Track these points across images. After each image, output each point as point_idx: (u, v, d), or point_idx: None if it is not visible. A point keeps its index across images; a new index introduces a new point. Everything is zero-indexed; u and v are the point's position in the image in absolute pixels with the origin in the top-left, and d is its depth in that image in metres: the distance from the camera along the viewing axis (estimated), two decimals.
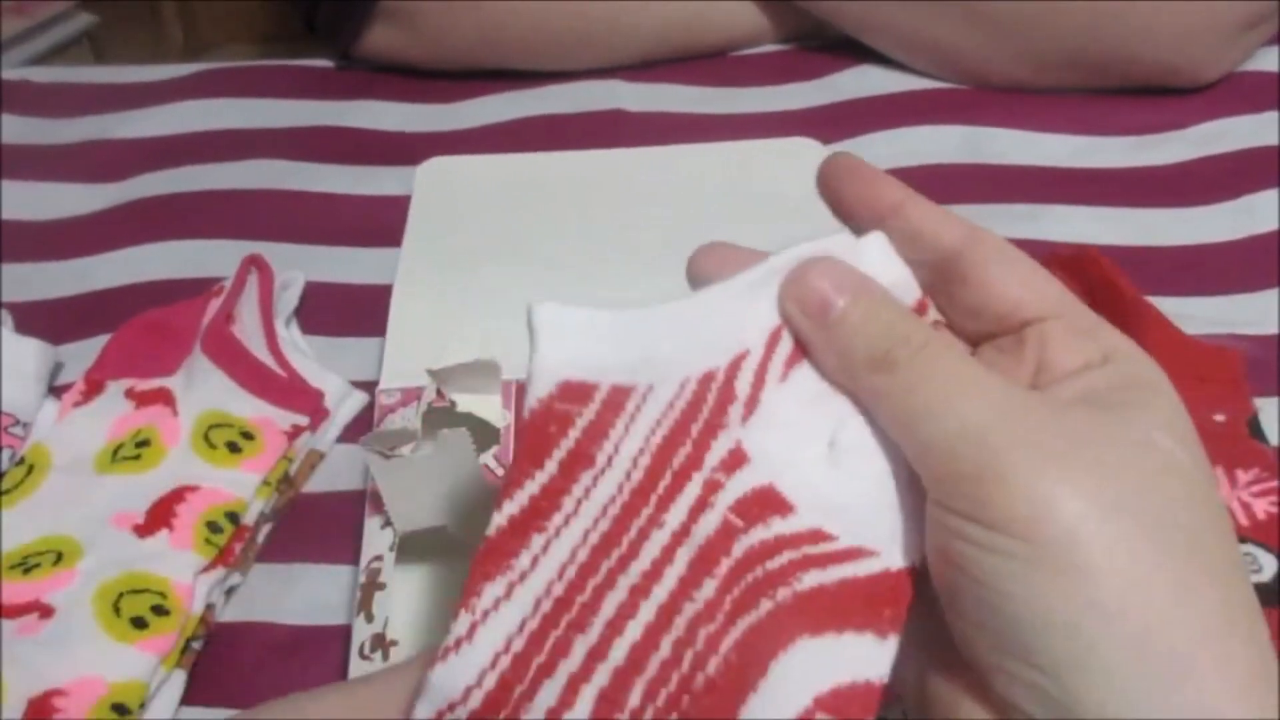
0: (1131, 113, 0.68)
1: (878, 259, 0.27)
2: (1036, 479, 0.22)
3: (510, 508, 0.23)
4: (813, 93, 0.73)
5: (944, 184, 0.64)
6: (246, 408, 0.49)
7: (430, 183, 0.61)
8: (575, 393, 0.24)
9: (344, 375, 0.53)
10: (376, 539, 0.43)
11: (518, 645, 0.23)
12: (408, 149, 0.70)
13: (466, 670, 0.23)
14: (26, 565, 0.44)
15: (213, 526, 0.45)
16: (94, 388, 0.51)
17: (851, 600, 0.24)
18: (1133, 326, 0.46)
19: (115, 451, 0.48)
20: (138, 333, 0.54)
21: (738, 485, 0.25)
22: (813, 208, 0.57)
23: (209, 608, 0.44)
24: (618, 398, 0.24)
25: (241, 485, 0.47)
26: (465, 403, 0.46)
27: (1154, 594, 0.21)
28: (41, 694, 0.40)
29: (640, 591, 0.23)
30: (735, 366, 0.25)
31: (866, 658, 0.24)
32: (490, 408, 0.46)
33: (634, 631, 0.23)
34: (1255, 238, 0.59)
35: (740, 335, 0.26)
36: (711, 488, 0.24)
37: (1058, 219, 0.61)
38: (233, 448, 0.48)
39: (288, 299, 0.56)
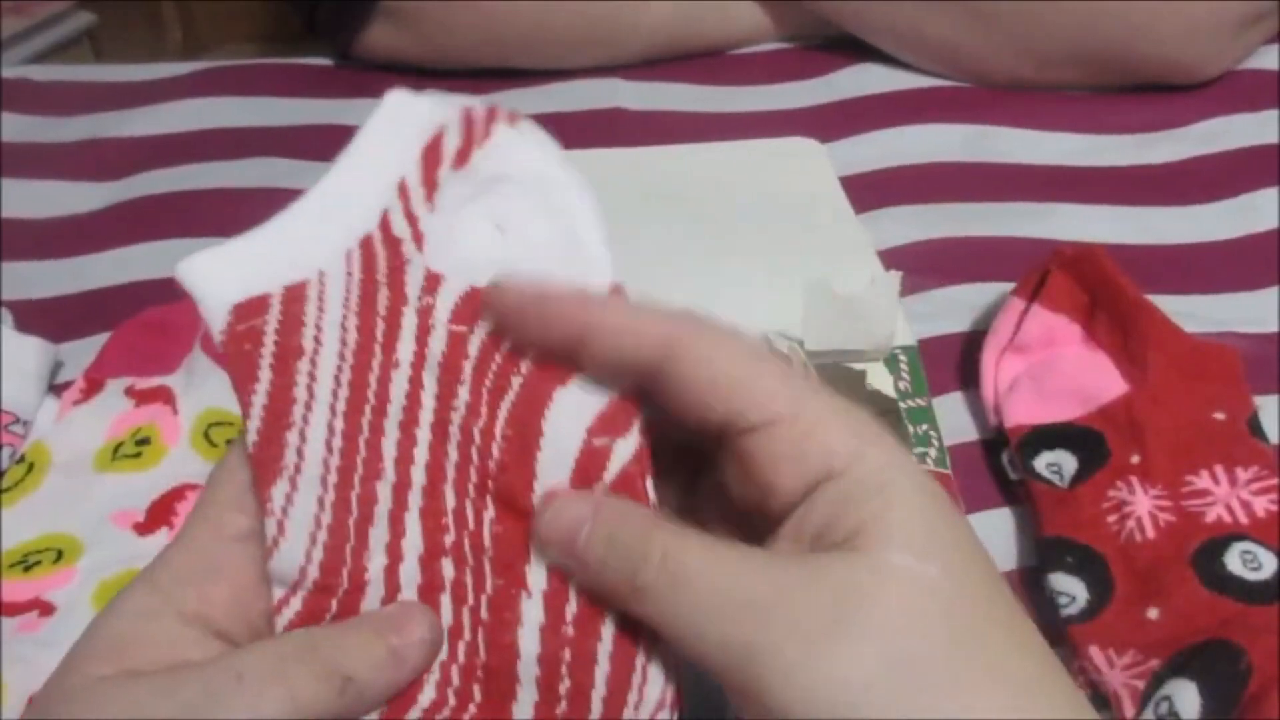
0: (1132, 111, 0.68)
1: (412, 117, 0.29)
2: (792, 678, 0.23)
3: (253, 425, 0.26)
4: (813, 91, 0.73)
5: (945, 183, 0.64)
6: None
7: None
8: (251, 309, 0.27)
9: None
10: None
11: (327, 518, 0.26)
12: None
13: (293, 556, 0.26)
14: (27, 563, 0.44)
15: None
16: (94, 386, 0.51)
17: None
18: (1134, 325, 0.47)
19: (115, 450, 0.48)
20: (137, 331, 0.54)
21: (446, 300, 0.27)
22: (812, 207, 0.58)
23: None
24: (295, 292, 0.27)
25: None
26: None
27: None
28: None
29: (412, 422, 0.27)
30: (385, 222, 0.28)
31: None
32: None
33: (421, 456, 0.27)
34: (1255, 236, 0.59)
35: (374, 200, 0.28)
36: (425, 312, 0.27)
37: (1059, 218, 0.61)
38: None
39: None
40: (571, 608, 0.26)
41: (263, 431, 0.26)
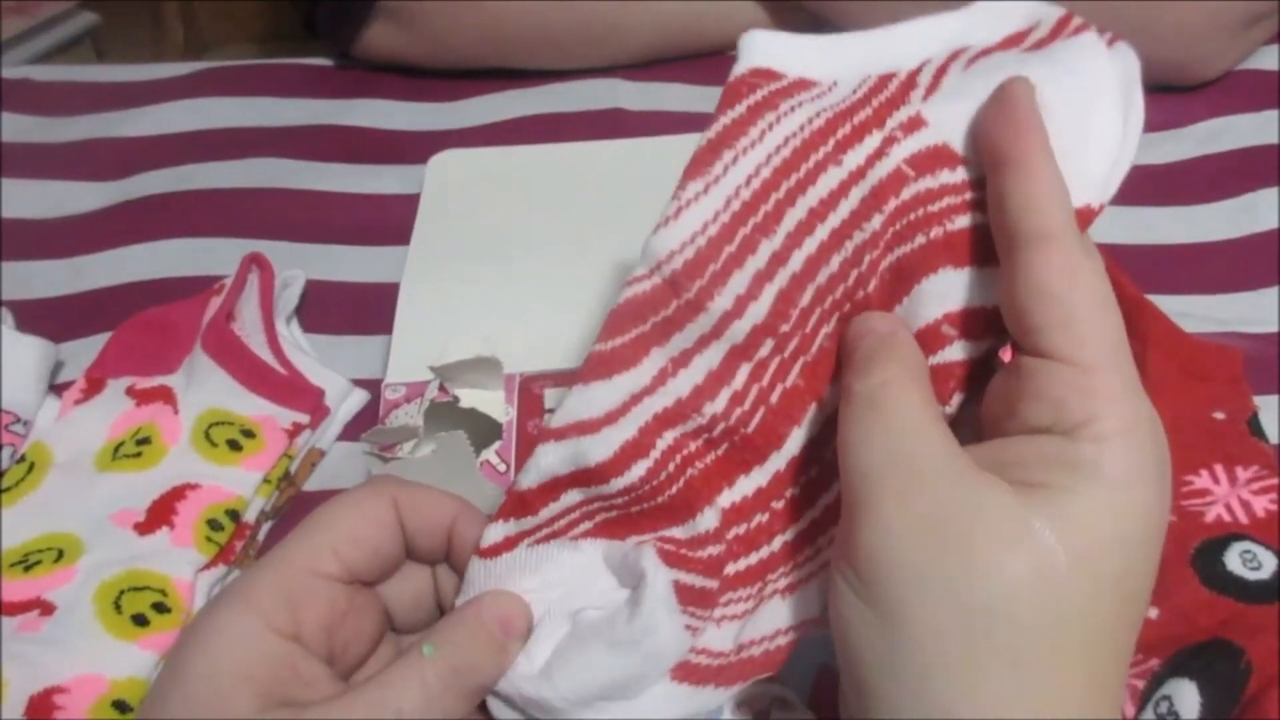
0: None
1: (1015, 10, 0.30)
2: (889, 541, 0.24)
3: (709, 133, 0.29)
4: None
5: None
6: (247, 406, 0.49)
7: (440, 176, 0.61)
8: (764, 75, 0.30)
9: (344, 373, 0.53)
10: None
11: (713, 230, 0.29)
12: (408, 147, 0.70)
13: (670, 238, 0.29)
14: (27, 563, 0.44)
15: (213, 524, 0.45)
16: (95, 386, 0.51)
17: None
18: (1134, 325, 0.47)
19: (116, 449, 0.48)
20: (138, 331, 0.54)
21: (914, 143, 0.28)
22: None
23: None
24: (802, 84, 0.30)
25: (242, 483, 0.47)
26: (468, 398, 0.46)
27: (946, 671, 0.23)
28: (42, 691, 0.40)
29: (817, 215, 0.28)
30: (916, 70, 0.29)
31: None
32: (493, 404, 0.46)
33: (810, 246, 0.28)
34: (1256, 236, 0.59)
35: (923, 50, 0.30)
36: (889, 142, 0.28)
37: None
38: (233, 445, 0.48)
39: (288, 297, 0.56)
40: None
41: (713, 140, 0.29)
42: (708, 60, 0.76)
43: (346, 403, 0.52)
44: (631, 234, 0.55)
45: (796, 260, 0.29)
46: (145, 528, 0.45)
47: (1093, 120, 0.28)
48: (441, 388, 0.47)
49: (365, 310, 0.58)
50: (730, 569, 0.30)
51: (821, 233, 0.28)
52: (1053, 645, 0.23)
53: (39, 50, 1.25)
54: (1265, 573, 0.39)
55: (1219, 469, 0.42)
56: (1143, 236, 0.60)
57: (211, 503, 0.46)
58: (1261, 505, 0.41)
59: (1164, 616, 0.39)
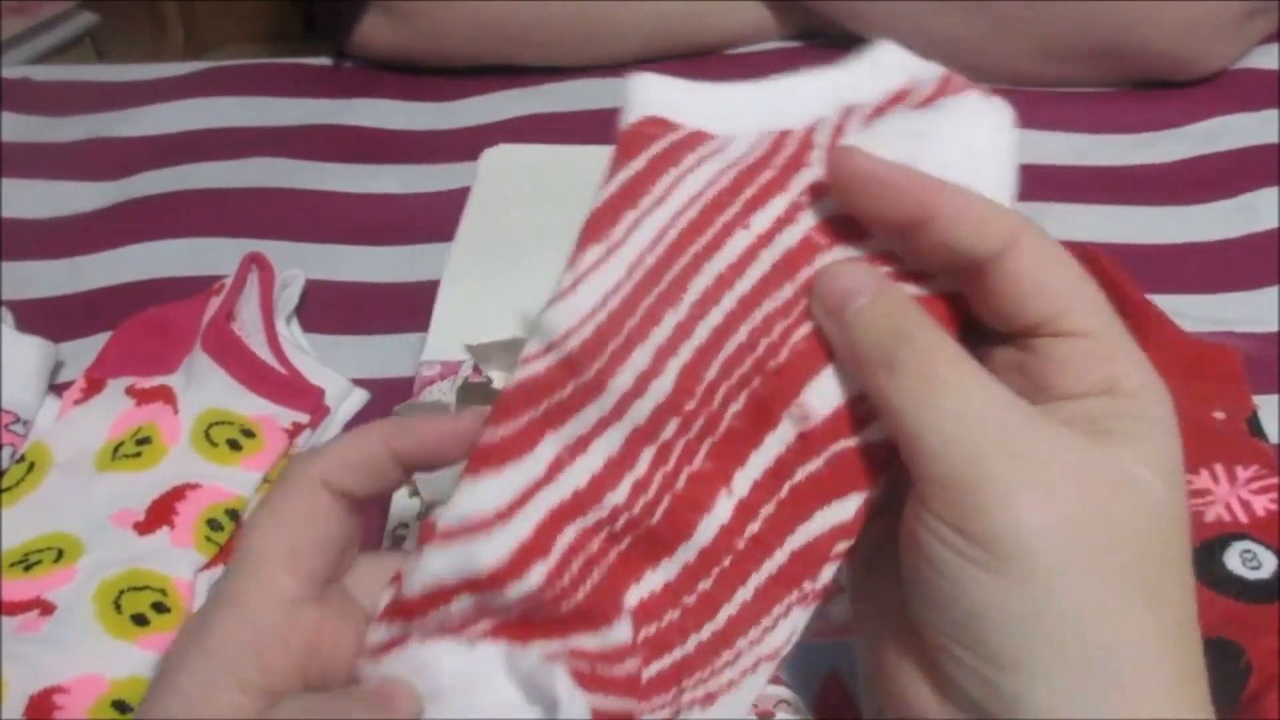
0: (1131, 111, 0.68)
1: (895, 65, 0.29)
2: (1014, 499, 0.23)
3: (609, 189, 0.27)
4: None
5: None
6: (247, 405, 0.49)
7: (492, 169, 0.61)
8: (661, 124, 0.28)
9: (344, 373, 0.53)
10: (403, 506, 0.44)
11: (614, 303, 0.27)
12: (408, 147, 0.70)
13: (568, 314, 0.27)
14: (27, 563, 0.44)
15: (213, 524, 0.45)
16: (94, 386, 0.51)
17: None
18: (1133, 325, 0.46)
19: (116, 449, 0.48)
20: (138, 331, 0.54)
21: (822, 209, 0.27)
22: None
23: None
24: (700, 137, 0.28)
25: (242, 483, 0.47)
26: (500, 380, 0.47)
27: (1096, 612, 0.23)
28: (42, 691, 0.40)
29: (725, 282, 0.27)
30: (810, 130, 0.28)
31: None
32: None
33: (716, 316, 0.26)
34: (1255, 236, 0.59)
35: (820, 105, 0.28)
36: (796, 208, 0.27)
37: (1058, 217, 0.61)
38: (233, 445, 0.48)
39: (288, 297, 0.56)
40: (754, 528, 0.27)
41: (609, 201, 0.27)
42: (708, 59, 0.76)
43: (346, 403, 0.52)
44: None
45: (702, 331, 0.26)
46: (145, 528, 0.45)
47: (989, 177, 0.27)
48: (476, 368, 0.47)
49: (365, 310, 0.58)
50: (643, 674, 0.27)
51: (729, 302, 0.26)
52: (1176, 575, 0.24)
53: (39, 50, 1.25)
54: (1265, 572, 0.39)
55: (1219, 468, 0.42)
56: (1142, 236, 0.60)
57: (211, 502, 0.46)
58: (1261, 505, 0.41)
59: None
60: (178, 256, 0.62)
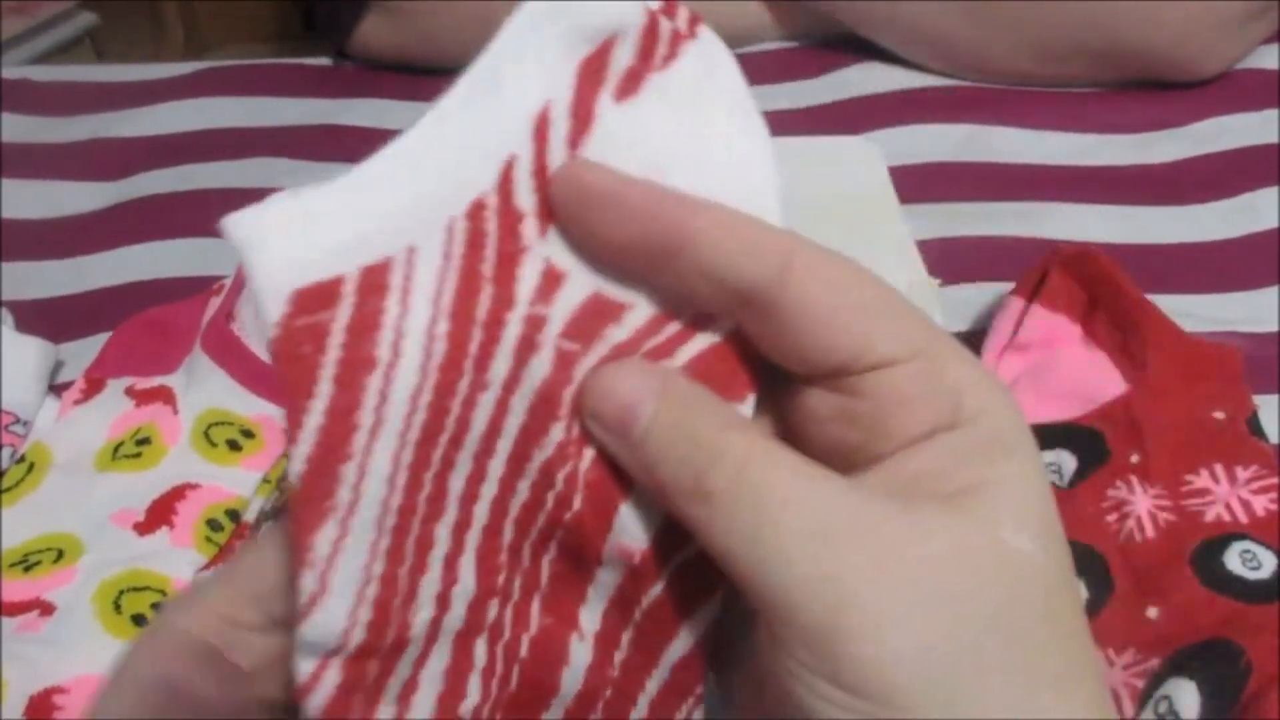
0: (1132, 111, 0.68)
1: (565, 26, 0.21)
2: (891, 635, 0.20)
3: (301, 452, 0.20)
4: (814, 91, 0.72)
5: (945, 182, 0.64)
6: (247, 406, 0.49)
7: None
8: (317, 298, 0.20)
9: None
10: None
11: (379, 568, 0.21)
12: None
13: (337, 616, 0.21)
14: (27, 563, 0.44)
15: (213, 524, 0.45)
16: (94, 386, 0.51)
17: (705, 377, 0.22)
18: (1133, 325, 0.47)
19: (115, 449, 0.48)
20: (138, 331, 0.54)
21: (562, 308, 0.22)
22: (860, 209, 0.58)
23: None
24: (375, 278, 0.20)
25: (242, 483, 0.47)
26: None
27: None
28: (42, 691, 0.40)
29: (486, 454, 0.22)
30: (506, 180, 0.21)
31: None
32: None
33: (490, 490, 0.22)
34: (1255, 236, 0.59)
35: (498, 142, 0.21)
36: (534, 324, 0.21)
37: (1059, 217, 0.61)
38: (233, 445, 0.48)
39: None
40: (622, 654, 0.23)
41: (313, 462, 0.20)
42: None
43: None
44: None
45: (480, 514, 0.22)
46: (145, 528, 0.45)
47: (754, 182, 0.23)
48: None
49: None
50: None
51: (496, 469, 0.22)
52: (1078, 646, 0.21)
53: (39, 50, 1.25)
54: (1265, 572, 0.39)
55: (1219, 468, 0.42)
56: (1142, 236, 0.60)
57: (211, 503, 0.46)
58: (1261, 505, 0.41)
59: (1164, 616, 0.39)
60: (178, 257, 0.62)
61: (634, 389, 0.21)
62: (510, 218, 0.21)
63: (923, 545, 0.20)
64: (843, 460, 0.22)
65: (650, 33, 0.21)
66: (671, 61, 0.22)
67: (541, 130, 0.21)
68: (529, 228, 0.21)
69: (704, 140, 0.22)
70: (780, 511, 0.20)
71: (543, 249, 0.21)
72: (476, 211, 0.21)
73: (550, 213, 0.21)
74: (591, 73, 0.21)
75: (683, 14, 0.22)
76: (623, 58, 0.21)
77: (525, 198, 0.21)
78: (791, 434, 0.23)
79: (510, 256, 0.21)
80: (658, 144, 0.22)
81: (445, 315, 0.21)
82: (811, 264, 0.21)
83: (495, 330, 0.21)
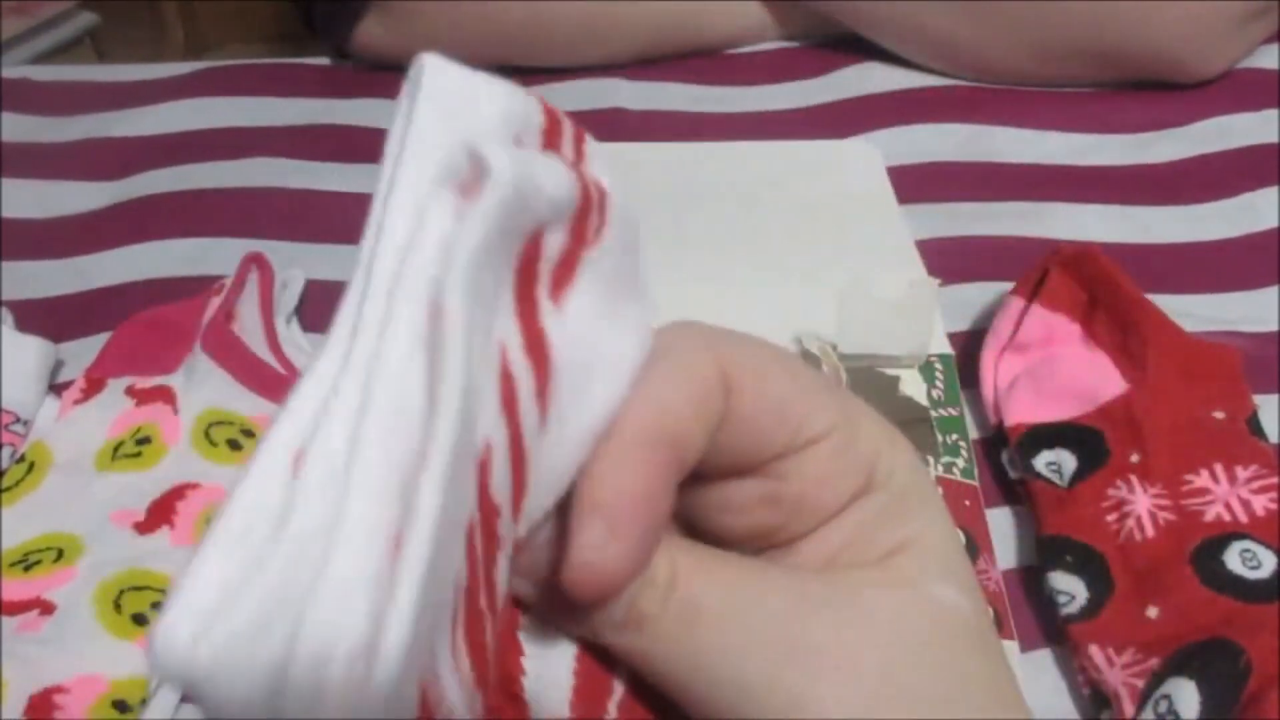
0: (1132, 111, 0.68)
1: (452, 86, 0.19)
2: None
3: None
4: (814, 91, 0.73)
5: (945, 182, 0.64)
6: (247, 405, 0.49)
7: None
8: None
9: None
10: None
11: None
12: None
13: None
14: (27, 563, 0.44)
15: None
16: (94, 385, 0.51)
17: None
18: (1133, 324, 0.47)
19: (116, 449, 0.48)
20: (138, 331, 0.54)
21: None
22: (860, 210, 0.58)
23: None
24: None
25: None
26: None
27: None
28: (42, 691, 0.40)
29: None
30: (484, 482, 0.17)
31: None
32: None
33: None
34: (1255, 236, 0.59)
35: (472, 443, 0.17)
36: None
37: (1059, 217, 0.61)
38: (233, 445, 0.48)
39: (288, 297, 0.56)
40: None
41: None
42: (708, 60, 0.76)
43: None
44: (675, 233, 0.55)
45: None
46: (145, 527, 0.45)
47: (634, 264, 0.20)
48: None
49: None
50: None
51: None
52: (1008, 684, 0.21)
53: (39, 50, 1.26)
54: (1265, 572, 0.39)
55: (1219, 468, 0.42)
56: (1142, 236, 0.60)
57: (212, 502, 0.46)
58: (1261, 504, 0.41)
59: (1163, 615, 0.39)
60: (178, 256, 0.62)
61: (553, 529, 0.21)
62: (490, 520, 0.18)
63: (864, 626, 0.20)
64: (763, 541, 0.22)
65: (584, 211, 0.18)
66: (602, 230, 0.19)
67: (510, 404, 0.17)
68: (505, 518, 0.18)
69: (618, 319, 0.20)
70: (717, 629, 0.20)
71: (513, 532, 0.19)
72: (470, 535, 0.17)
73: (521, 490, 0.18)
74: (529, 280, 0.18)
75: (596, 160, 0.19)
76: (555, 242, 0.18)
77: (501, 489, 0.18)
78: (707, 526, 0.23)
79: (492, 559, 0.18)
80: (589, 339, 0.19)
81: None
82: (744, 367, 0.21)
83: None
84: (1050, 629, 0.42)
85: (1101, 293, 0.48)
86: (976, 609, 0.22)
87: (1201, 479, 0.42)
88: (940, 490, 0.23)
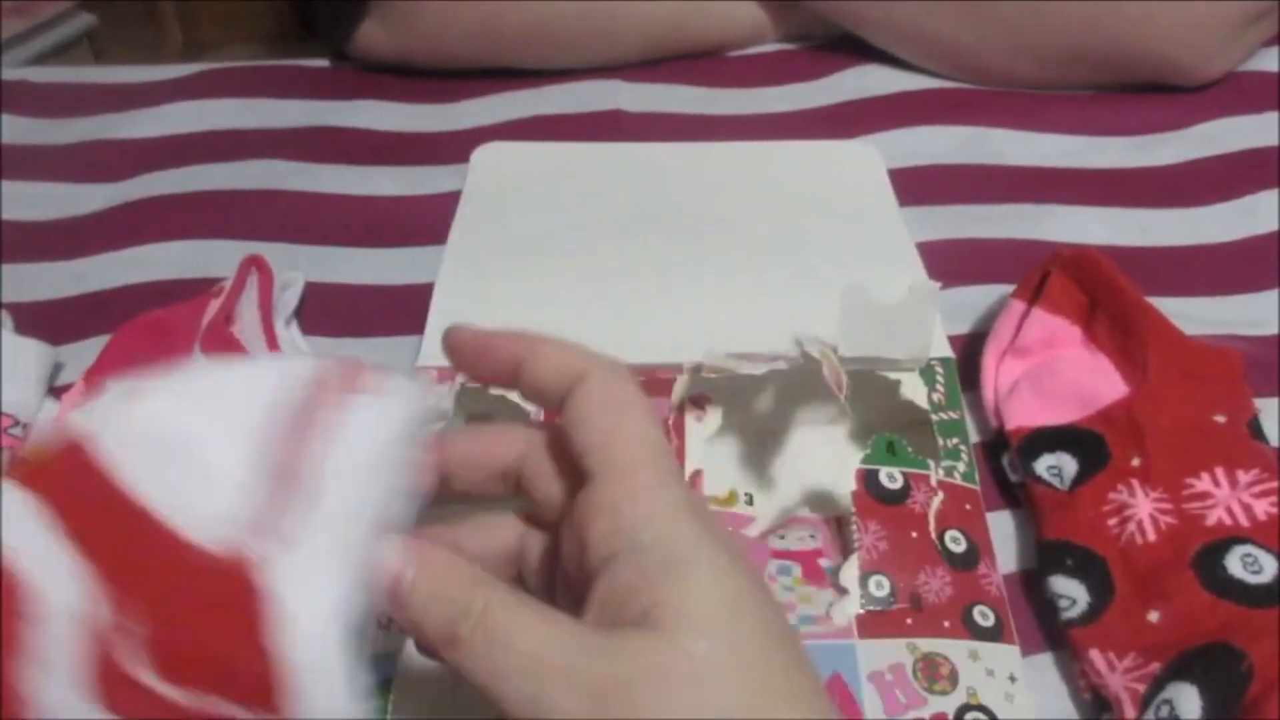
0: (1132, 113, 0.68)
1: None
2: None
3: None
4: (813, 93, 0.73)
5: (945, 184, 0.64)
6: None
7: (484, 168, 0.61)
8: None
9: None
10: None
11: None
12: (407, 149, 0.70)
13: None
14: None
15: None
16: (94, 388, 0.51)
17: None
18: (1134, 327, 0.46)
19: None
20: (137, 333, 0.54)
21: None
22: (860, 212, 0.58)
23: None
24: None
25: None
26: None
27: None
28: None
29: None
30: None
31: None
32: None
33: None
34: (1255, 238, 0.59)
35: None
36: None
37: (1058, 219, 0.61)
38: None
39: (287, 299, 0.56)
40: None
41: None
42: (708, 61, 0.76)
43: None
44: (675, 234, 0.56)
45: None
46: None
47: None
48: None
49: (365, 312, 0.58)
50: None
51: None
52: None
53: (37, 51, 1.25)
54: (1266, 576, 0.39)
55: (1220, 472, 0.42)
56: (1143, 238, 0.60)
57: None
58: (1262, 508, 0.41)
59: (1164, 620, 0.39)
60: (177, 259, 0.62)
61: (397, 561, 0.27)
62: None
63: (614, 668, 0.24)
64: (582, 590, 0.27)
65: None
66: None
67: None
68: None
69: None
70: (505, 652, 0.25)
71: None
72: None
73: None
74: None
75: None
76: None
77: None
78: (559, 578, 0.30)
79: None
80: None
81: None
82: (588, 379, 0.28)
83: None
84: (1051, 633, 0.42)
85: (1102, 296, 0.48)
86: (737, 655, 0.25)
87: (1203, 483, 0.42)
88: (720, 545, 0.26)
